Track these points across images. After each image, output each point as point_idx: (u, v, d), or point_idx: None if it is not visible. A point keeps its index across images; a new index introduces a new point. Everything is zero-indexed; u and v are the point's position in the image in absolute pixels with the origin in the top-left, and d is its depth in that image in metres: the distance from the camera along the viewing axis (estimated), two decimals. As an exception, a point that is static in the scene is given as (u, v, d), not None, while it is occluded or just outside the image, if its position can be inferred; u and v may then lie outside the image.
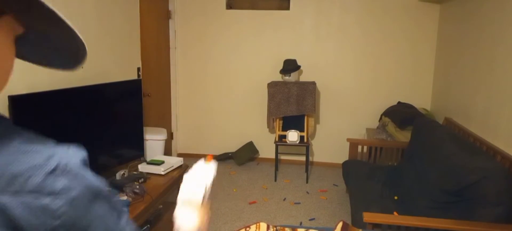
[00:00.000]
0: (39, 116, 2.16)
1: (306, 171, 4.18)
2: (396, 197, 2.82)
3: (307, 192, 3.84)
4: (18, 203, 0.41)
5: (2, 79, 0.50)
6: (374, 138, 3.94)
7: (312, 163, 4.66)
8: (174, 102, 4.78)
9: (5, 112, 2.07)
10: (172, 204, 3.04)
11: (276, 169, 4.21)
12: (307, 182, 4.10)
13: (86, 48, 0.52)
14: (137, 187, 2.41)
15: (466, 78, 3.26)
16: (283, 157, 4.70)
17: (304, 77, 4.48)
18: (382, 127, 4.01)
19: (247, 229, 2.08)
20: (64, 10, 2.53)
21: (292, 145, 4.14)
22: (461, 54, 3.41)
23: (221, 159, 4.75)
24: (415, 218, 2.13)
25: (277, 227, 2.15)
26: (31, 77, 2.25)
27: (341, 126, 4.54)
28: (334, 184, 4.06)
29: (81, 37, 0.49)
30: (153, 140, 3.36)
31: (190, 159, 4.91)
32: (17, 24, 0.47)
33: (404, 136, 3.69)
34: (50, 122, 2.22)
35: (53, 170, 0.43)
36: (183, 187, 0.83)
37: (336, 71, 4.45)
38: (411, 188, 2.73)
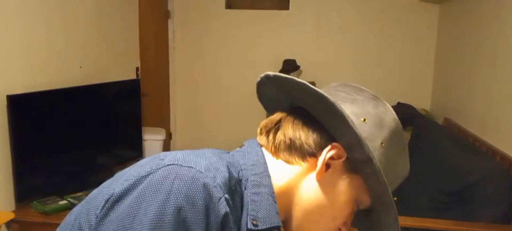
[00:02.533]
0: (37, 115, 2.16)
1: (305, 171, 4.17)
2: (395, 198, 2.82)
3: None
4: None
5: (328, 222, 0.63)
6: (373, 138, 3.92)
7: (311, 163, 4.65)
8: (173, 102, 4.77)
9: (4, 112, 2.06)
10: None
11: (275, 169, 4.20)
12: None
13: None
14: (136, 187, 2.40)
15: (466, 79, 3.26)
16: (282, 157, 4.70)
17: (303, 78, 4.48)
18: (381, 127, 4.00)
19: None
20: (63, 9, 2.52)
21: (291, 145, 4.13)
22: (461, 55, 3.41)
23: (220, 159, 4.74)
24: (414, 218, 2.13)
25: (276, 228, 2.15)
26: (29, 77, 2.24)
27: (341, 126, 4.54)
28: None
29: None
30: (152, 140, 3.35)
31: (189, 159, 4.90)
32: (366, 196, 0.62)
33: (403, 137, 3.68)
34: (48, 121, 2.21)
35: None
36: None
37: (336, 72, 4.44)
38: (410, 189, 2.73)
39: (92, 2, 2.84)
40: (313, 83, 4.15)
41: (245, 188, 0.59)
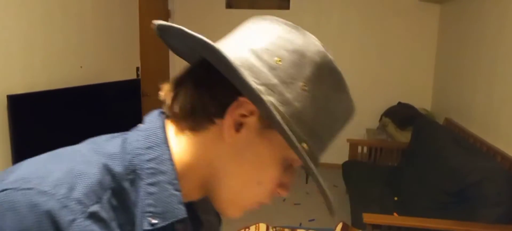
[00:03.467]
0: (38, 115, 2.15)
1: (306, 171, 4.17)
2: (396, 198, 2.81)
3: (307, 193, 3.83)
4: None
5: (250, 191, 0.55)
6: (374, 139, 3.93)
7: (312, 163, 4.64)
8: (174, 102, 4.77)
9: (4, 112, 2.05)
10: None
11: (276, 169, 4.20)
12: (306, 183, 4.08)
13: (333, 208, 0.57)
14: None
15: (466, 79, 3.25)
16: (282, 157, 4.69)
17: (304, 78, 4.47)
18: (382, 127, 4.00)
19: (247, 230, 2.07)
20: (63, 10, 2.52)
21: (292, 145, 4.13)
22: (462, 55, 3.41)
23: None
24: (415, 219, 2.13)
25: (277, 228, 2.15)
26: (29, 77, 2.24)
27: (341, 126, 4.53)
28: (334, 185, 4.05)
29: (331, 200, 0.56)
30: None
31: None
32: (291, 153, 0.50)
33: (404, 137, 3.68)
34: (48, 121, 2.21)
35: None
36: None
37: (336, 72, 4.44)
38: (411, 189, 2.72)
39: (92, 2, 2.83)
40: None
41: (140, 179, 0.48)
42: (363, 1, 4.27)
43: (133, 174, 0.48)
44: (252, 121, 0.50)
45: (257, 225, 2.11)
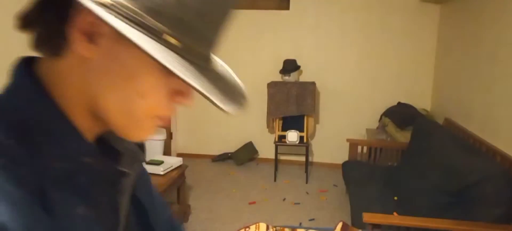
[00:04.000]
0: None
1: (306, 171, 4.18)
2: (395, 198, 2.82)
3: (307, 193, 3.84)
4: None
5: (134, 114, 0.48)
6: (374, 138, 3.93)
7: (312, 163, 4.65)
8: (174, 102, 4.77)
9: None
10: (171, 204, 3.03)
11: (276, 169, 4.20)
12: (306, 183, 4.10)
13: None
14: (136, 187, 2.40)
15: (466, 79, 3.26)
16: (282, 157, 4.70)
17: (304, 78, 4.48)
18: (382, 127, 4.01)
19: (247, 229, 2.07)
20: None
21: (292, 145, 4.14)
22: (461, 55, 3.41)
23: (220, 159, 4.74)
24: (414, 218, 2.13)
25: (277, 228, 2.15)
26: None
27: (341, 126, 4.54)
28: (334, 185, 4.05)
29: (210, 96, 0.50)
30: (152, 140, 3.35)
31: (189, 159, 4.91)
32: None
33: (404, 137, 3.69)
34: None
35: None
36: None
37: (336, 72, 4.44)
38: (411, 189, 2.73)
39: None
40: (313, 83, 4.15)
41: (29, 133, 0.44)
42: (363, 2, 4.28)
43: (19, 131, 0.43)
44: (104, 28, 0.43)
45: (257, 224, 2.12)
